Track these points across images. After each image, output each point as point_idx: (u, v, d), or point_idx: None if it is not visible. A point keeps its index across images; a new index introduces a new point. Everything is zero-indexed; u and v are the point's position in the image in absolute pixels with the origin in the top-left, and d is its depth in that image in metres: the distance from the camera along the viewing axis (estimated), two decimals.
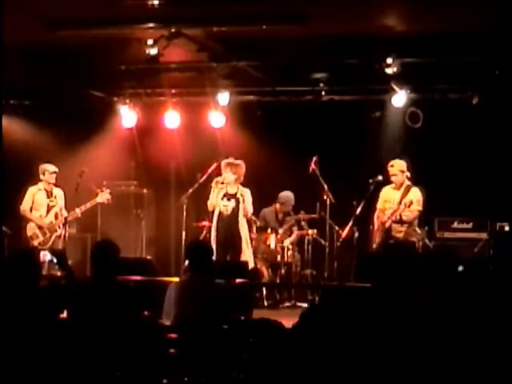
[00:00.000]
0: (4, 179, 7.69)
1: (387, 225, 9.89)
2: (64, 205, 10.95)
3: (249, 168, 10.73)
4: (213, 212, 10.56)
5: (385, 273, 5.59)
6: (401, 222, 9.86)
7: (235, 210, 10.47)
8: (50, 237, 10.81)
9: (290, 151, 11.93)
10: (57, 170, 10.90)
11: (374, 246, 10.01)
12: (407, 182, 10.01)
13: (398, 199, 9.91)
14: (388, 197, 10.08)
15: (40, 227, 10.79)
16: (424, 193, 9.97)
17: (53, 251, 10.77)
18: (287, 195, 11.57)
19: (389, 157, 10.41)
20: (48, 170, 10.87)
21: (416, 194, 9.90)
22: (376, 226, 10.10)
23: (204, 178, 10.85)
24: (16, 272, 5.86)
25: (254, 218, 11.46)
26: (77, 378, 5.66)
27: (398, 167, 10.04)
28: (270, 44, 9.58)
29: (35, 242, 10.74)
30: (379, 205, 10.14)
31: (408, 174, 10.04)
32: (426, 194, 10.08)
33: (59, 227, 10.89)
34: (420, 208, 9.91)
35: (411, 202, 9.74)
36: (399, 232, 9.90)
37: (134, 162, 12.94)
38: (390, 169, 10.07)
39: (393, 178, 10.05)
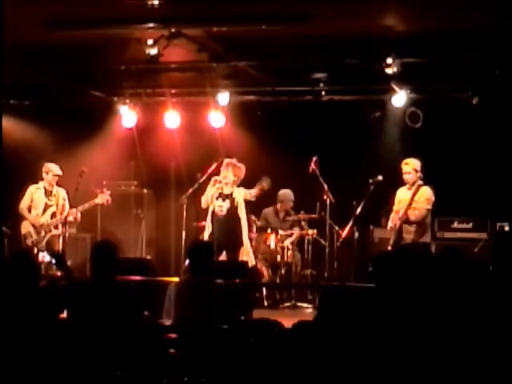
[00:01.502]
0: (4, 179, 7.69)
1: (397, 226, 9.67)
2: (68, 205, 10.93)
3: (249, 168, 10.71)
4: (206, 210, 10.49)
5: (393, 275, 5.58)
6: (408, 221, 9.62)
7: (230, 211, 10.36)
8: (44, 236, 10.77)
9: (290, 151, 11.91)
10: (60, 173, 10.85)
11: (389, 247, 9.77)
12: (419, 182, 9.71)
13: (409, 199, 9.68)
14: (401, 197, 9.80)
15: (34, 226, 10.76)
16: (434, 192, 9.79)
17: (52, 252, 10.74)
18: (285, 192, 11.58)
19: (389, 157, 10.38)
20: (52, 171, 10.81)
21: (424, 193, 9.66)
22: (388, 228, 9.84)
23: (204, 177, 10.82)
24: (16, 272, 5.87)
25: (254, 217, 11.46)
26: (77, 378, 5.67)
27: (412, 165, 9.71)
28: (270, 44, 9.57)
29: (28, 241, 10.71)
30: (395, 206, 9.87)
31: (421, 174, 9.70)
32: None
33: (55, 227, 10.85)
34: (429, 207, 9.63)
35: (414, 199, 9.57)
36: (409, 233, 9.63)
37: (134, 162, 12.92)
38: (403, 166, 9.76)
39: (405, 176, 9.74)
